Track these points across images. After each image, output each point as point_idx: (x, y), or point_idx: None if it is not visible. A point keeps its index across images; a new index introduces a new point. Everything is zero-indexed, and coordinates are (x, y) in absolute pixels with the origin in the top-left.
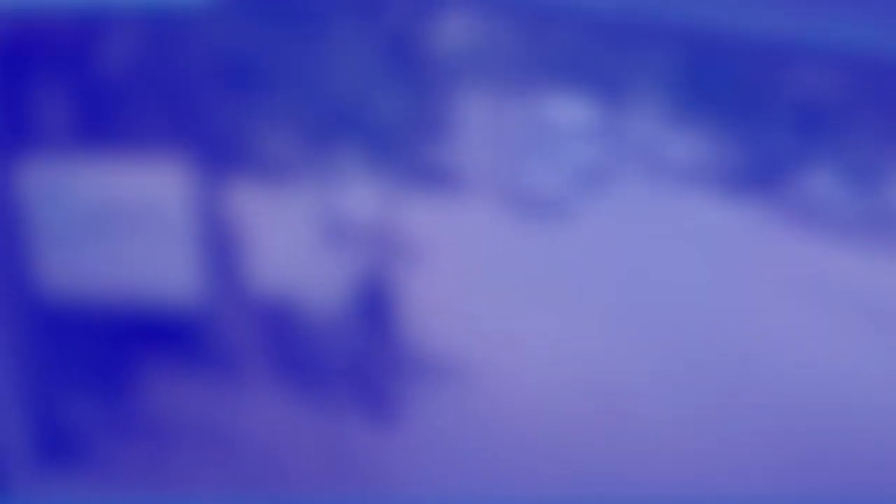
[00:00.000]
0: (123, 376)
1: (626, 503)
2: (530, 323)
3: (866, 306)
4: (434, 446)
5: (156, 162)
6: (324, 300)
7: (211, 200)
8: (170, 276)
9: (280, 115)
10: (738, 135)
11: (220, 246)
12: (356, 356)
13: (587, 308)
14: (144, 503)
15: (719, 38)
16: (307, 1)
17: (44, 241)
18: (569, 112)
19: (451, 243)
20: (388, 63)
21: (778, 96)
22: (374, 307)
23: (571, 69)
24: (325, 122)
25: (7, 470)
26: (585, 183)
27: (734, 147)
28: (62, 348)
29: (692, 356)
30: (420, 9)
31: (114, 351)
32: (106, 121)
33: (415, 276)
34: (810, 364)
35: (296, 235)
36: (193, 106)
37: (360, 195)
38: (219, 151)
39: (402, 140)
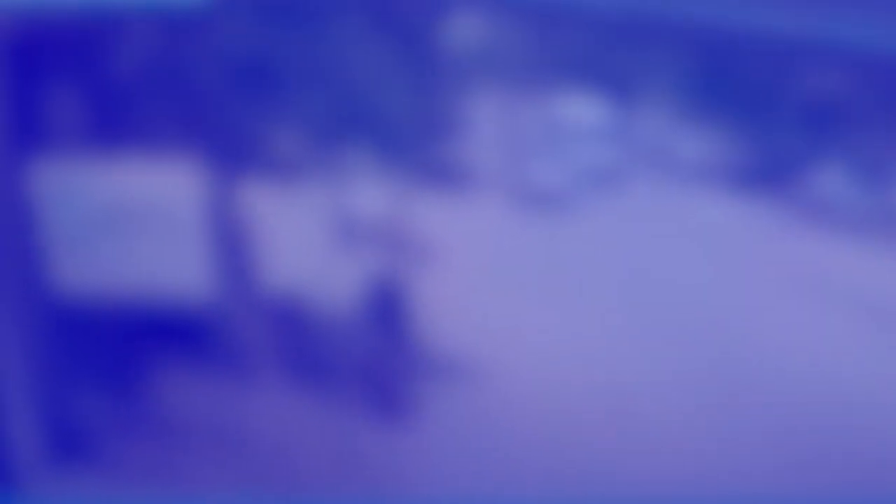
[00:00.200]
0: (135, 375)
1: (635, 503)
2: (541, 321)
3: (875, 306)
4: (444, 445)
5: (165, 161)
6: (335, 299)
7: (220, 199)
8: (180, 275)
9: (289, 115)
10: (747, 134)
11: (230, 245)
12: (367, 355)
13: (597, 306)
14: (156, 502)
15: (727, 37)
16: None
17: (54, 240)
18: (579, 111)
19: (462, 242)
20: (396, 62)
21: (786, 95)
22: (385, 306)
23: (582, 68)
24: (335, 121)
25: (19, 468)
26: (595, 182)
27: (743, 146)
28: (74, 347)
29: (701, 355)
30: (428, 7)
31: (126, 350)
32: (113, 120)
33: (425, 275)
34: (817, 363)
35: (306, 234)
36: (202, 105)
37: (371, 194)
38: (228, 151)
39: (411, 139)
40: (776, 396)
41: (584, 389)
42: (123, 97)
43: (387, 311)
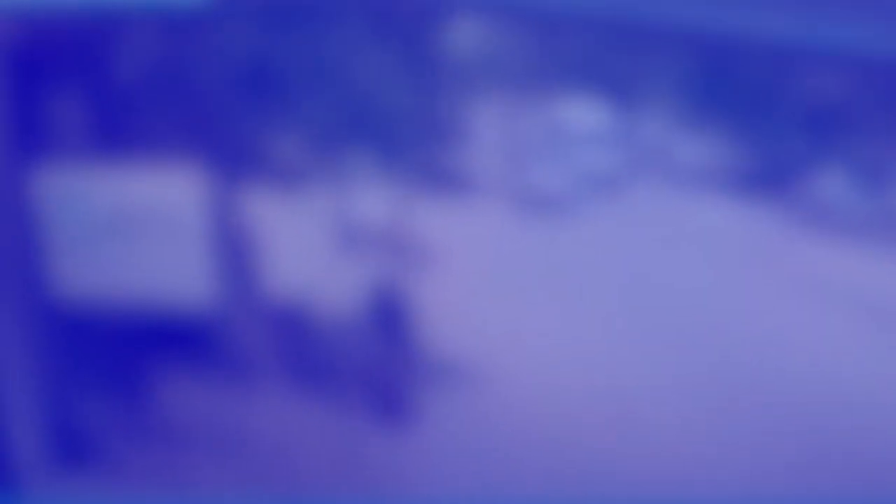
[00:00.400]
0: (139, 379)
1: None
2: (543, 325)
3: (875, 308)
4: (446, 447)
5: (167, 165)
6: (338, 303)
7: (222, 203)
8: (184, 279)
9: (290, 119)
10: (747, 138)
11: (232, 249)
12: (370, 358)
13: (598, 310)
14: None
15: (728, 41)
16: (315, 3)
17: (56, 244)
18: (581, 115)
19: (464, 246)
20: (398, 66)
21: (787, 99)
22: (388, 310)
23: (583, 73)
24: (337, 126)
25: (23, 471)
26: (597, 186)
27: (744, 150)
28: (78, 351)
29: (703, 358)
30: (429, 11)
31: (130, 353)
32: (114, 123)
33: (428, 279)
34: (818, 365)
35: (309, 239)
36: (204, 109)
37: (373, 198)
38: (230, 155)
39: (413, 143)
40: (777, 398)
41: (585, 392)
42: (124, 100)
43: (389, 315)
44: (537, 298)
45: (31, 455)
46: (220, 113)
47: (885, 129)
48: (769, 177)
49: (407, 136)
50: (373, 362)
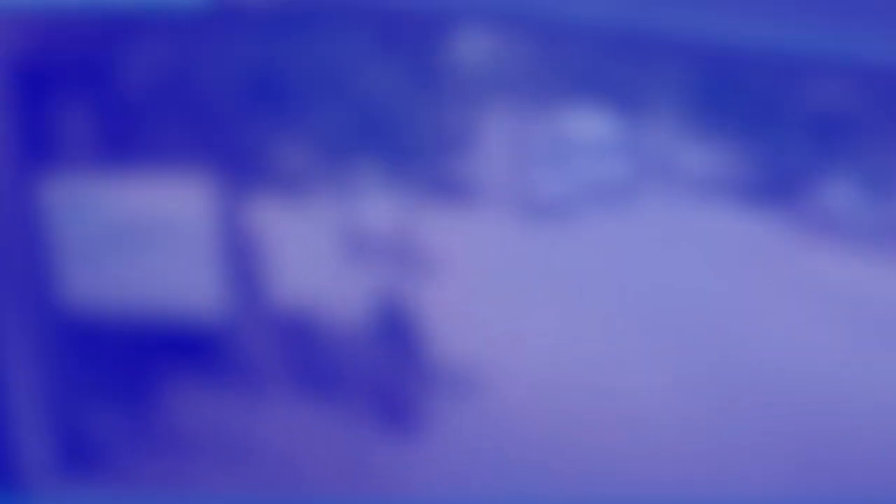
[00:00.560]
0: (146, 388)
1: None
2: (548, 334)
3: (878, 316)
4: (453, 455)
5: (171, 173)
6: (343, 312)
7: (225, 211)
8: (190, 288)
9: (295, 128)
10: (751, 147)
11: (238, 257)
12: (376, 367)
13: (604, 319)
14: None
15: (731, 51)
16: (318, 11)
17: (61, 253)
18: (585, 125)
19: (470, 255)
20: (402, 73)
21: (790, 109)
22: (393, 319)
23: (587, 83)
24: (341, 134)
25: (32, 478)
26: (601, 195)
27: (748, 159)
28: (85, 360)
29: (706, 366)
30: (433, 20)
31: (137, 363)
32: (116, 130)
33: (434, 287)
34: (820, 372)
35: (313, 246)
36: (207, 117)
37: (378, 207)
38: (233, 163)
39: (417, 152)
40: (779, 403)
41: (592, 400)
42: (127, 107)
43: (396, 322)
44: (543, 306)
45: (38, 461)
46: (225, 121)
47: (889, 137)
48: (773, 185)
49: (412, 144)
50: (379, 369)
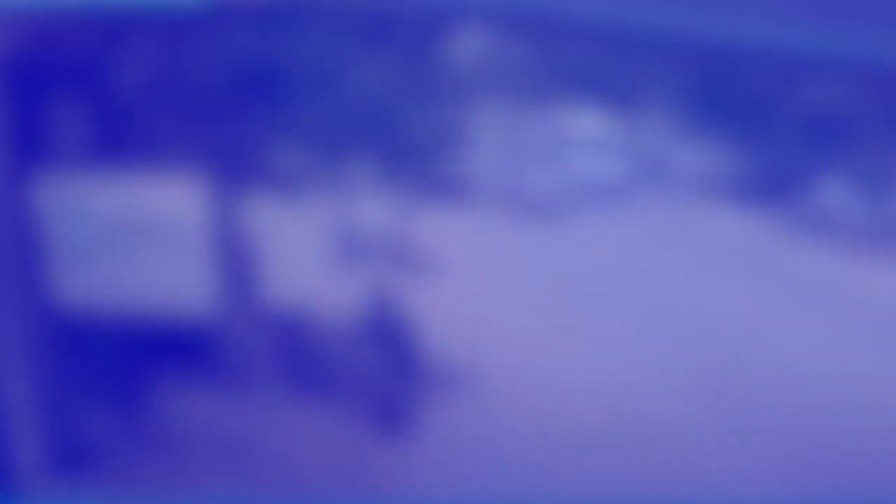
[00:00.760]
0: (140, 388)
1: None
2: (545, 333)
3: (877, 316)
4: (448, 455)
5: (166, 172)
6: (338, 311)
7: (221, 210)
8: (184, 287)
9: (290, 128)
10: (747, 146)
11: (236, 257)
12: (371, 366)
13: (600, 318)
14: None
15: (727, 50)
16: (316, 10)
17: (57, 252)
18: (581, 124)
19: (466, 255)
20: (398, 73)
21: (787, 108)
22: (389, 318)
23: (584, 82)
24: (337, 134)
25: (25, 478)
26: (597, 194)
27: (745, 158)
28: (79, 359)
29: (706, 364)
30: (429, 19)
31: (130, 362)
32: (112, 129)
33: (428, 286)
34: (820, 369)
35: (308, 245)
36: (203, 116)
37: (374, 206)
38: (228, 162)
39: (414, 151)
40: (775, 403)
41: (588, 399)
42: (124, 106)
43: (389, 322)
44: (539, 306)
45: (32, 461)
46: (223, 120)
47: (886, 136)
48: (769, 184)
49: (409, 143)
50: (373, 368)
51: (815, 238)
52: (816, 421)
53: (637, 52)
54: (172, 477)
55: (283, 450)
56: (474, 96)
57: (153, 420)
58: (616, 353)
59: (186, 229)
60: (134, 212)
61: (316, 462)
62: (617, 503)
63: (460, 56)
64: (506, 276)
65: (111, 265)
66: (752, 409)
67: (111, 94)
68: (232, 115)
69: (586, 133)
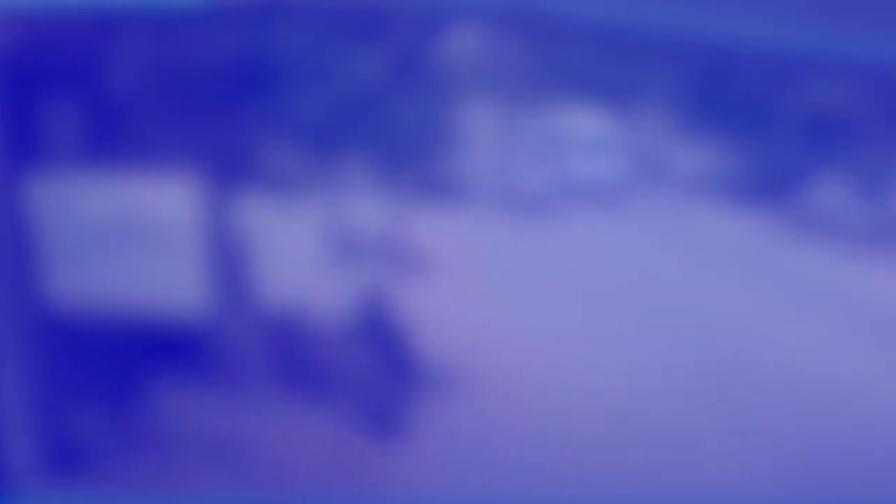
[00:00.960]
0: (134, 388)
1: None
2: (540, 332)
3: (876, 316)
4: (444, 454)
5: (162, 172)
6: (333, 311)
7: (216, 210)
8: (179, 288)
9: (286, 127)
10: (745, 146)
11: (226, 257)
12: (368, 367)
13: (597, 317)
14: None
15: (724, 50)
16: (313, 11)
17: (51, 252)
18: (578, 123)
19: (461, 254)
20: (394, 73)
21: (784, 108)
22: (385, 318)
23: (581, 82)
24: (333, 133)
25: (19, 478)
26: (594, 194)
27: (742, 158)
28: (75, 358)
29: (702, 363)
30: (425, 19)
31: (124, 363)
32: (109, 129)
33: (424, 287)
34: (816, 369)
35: (303, 246)
36: (198, 116)
37: (367, 205)
38: (225, 163)
39: (410, 151)
40: (775, 403)
41: (585, 399)
42: (122, 106)
43: (387, 322)
44: (536, 306)
45: (29, 464)
46: (222, 120)
47: (883, 137)
48: (767, 184)
49: (407, 143)
50: (367, 367)
51: (814, 238)
52: (815, 421)
53: (635, 52)
54: (167, 477)
55: (279, 450)
56: (472, 96)
57: (147, 420)
58: (613, 353)
59: (188, 230)
60: (134, 211)
61: (311, 462)
62: (613, 503)
63: (457, 55)
64: (502, 275)
65: (109, 264)
66: (750, 409)
67: (111, 94)
68: (232, 115)
69: (584, 133)
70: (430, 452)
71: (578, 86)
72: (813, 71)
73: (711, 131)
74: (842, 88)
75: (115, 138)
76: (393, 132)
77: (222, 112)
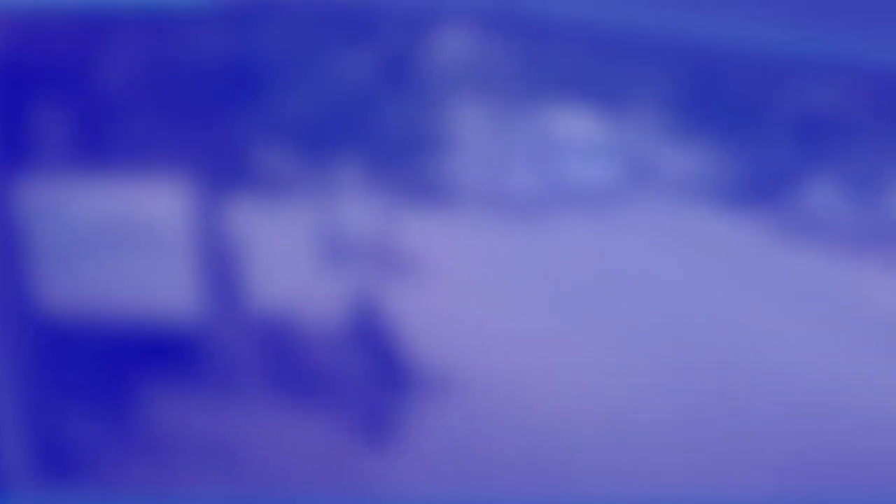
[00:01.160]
0: (126, 390)
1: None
2: (532, 334)
3: (870, 317)
4: (435, 453)
5: (156, 175)
6: (324, 314)
7: (210, 213)
8: (172, 291)
9: (277, 130)
10: (738, 149)
11: (218, 259)
12: (359, 370)
13: (590, 320)
14: None
15: (717, 52)
16: (306, 15)
17: (43, 255)
18: (571, 127)
19: (453, 258)
20: (394, 75)
21: (776, 110)
22: (376, 320)
23: (574, 85)
24: (326, 136)
25: (12, 480)
26: (588, 198)
27: (735, 161)
28: (65, 362)
29: (695, 365)
30: (419, 21)
31: (117, 366)
32: (103, 131)
33: (416, 290)
34: (809, 369)
35: (296, 249)
36: (189, 119)
37: (362, 209)
38: (219, 166)
39: (402, 154)
40: (769, 404)
41: (580, 400)
42: (118, 108)
43: (379, 325)
44: (529, 309)
45: (21, 465)
46: (214, 124)
47: (877, 138)
48: (762, 187)
49: (400, 146)
50: (362, 371)
51: (808, 240)
52: (808, 420)
53: (628, 54)
54: (160, 478)
55: (272, 451)
56: (466, 99)
57: (140, 422)
58: (607, 355)
59: (187, 233)
60: (132, 214)
61: (304, 464)
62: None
63: (451, 58)
64: (494, 278)
65: (104, 267)
66: (744, 410)
67: (108, 96)
68: (228, 118)
69: (576, 135)
70: (422, 453)
71: (570, 88)
72: (806, 73)
73: (704, 134)
74: (835, 90)
75: (112, 140)
76: (388, 135)
77: (219, 114)
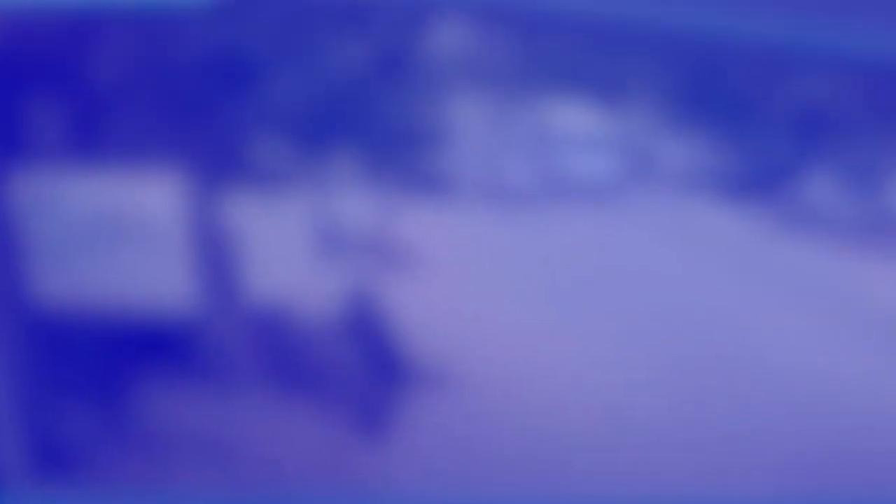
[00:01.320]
0: (122, 385)
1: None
2: (529, 329)
3: (870, 313)
4: (433, 451)
5: (152, 170)
6: (322, 308)
7: (207, 208)
8: (167, 285)
9: (273, 123)
10: (736, 143)
11: (215, 254)
12: (356, 364)
13: (588, 314)
14: None
15: (716, 45)
16: (304, 8)
17: (38, 250)
18: (570, 121)
19: (452, 251)
20: (392, 71)
21: (776, 103)
22: (373, 314)
23: (572, 78)
24: (324, 130)
25: (6, 480)
26: (587, 191)
27: (733, 154)
28: (61, 358)
29: (693, 360)
30: (416, 16)
31: (113, 361)
32: (101, 128)
33: (413, 284)
34: (806, 366)
35: (294, 242)
36: (187, 114)
37: (359, 202)
38: (215, 160)
39: (400, 147)
40: (767, 401)
41: (577, 397)
42: (113, 103)
43: (376, 319)
44: (525, 301)
45: (17, 463)
46: (211, 119)
47: (876, 132)
48: (762, 181)
49: (398, 139)
50: (359, 366)
51: (807, 234)
52: (810, 416)
53: (627, 47)
54: (156, 475)
55: (269, 448)
56: (464, 92)
57: (136, 418)
58: (605, 349)
59: (185, 227)
60: (128, 209)
61: (301, 459)
62: (607, 502)
63: (450, 51)
64: (492, 271)
65: (100, 261)
66: (745, 405)
67: (106, 93)
68: (224, 113)
69: (574, 128)
70: (419, 449)
71: (569, 81)
72: (806, 66)
73: (703, 127)
74: (835, 83)
75: (110, 136)
76: (386, 129)
77: (216, 109)
